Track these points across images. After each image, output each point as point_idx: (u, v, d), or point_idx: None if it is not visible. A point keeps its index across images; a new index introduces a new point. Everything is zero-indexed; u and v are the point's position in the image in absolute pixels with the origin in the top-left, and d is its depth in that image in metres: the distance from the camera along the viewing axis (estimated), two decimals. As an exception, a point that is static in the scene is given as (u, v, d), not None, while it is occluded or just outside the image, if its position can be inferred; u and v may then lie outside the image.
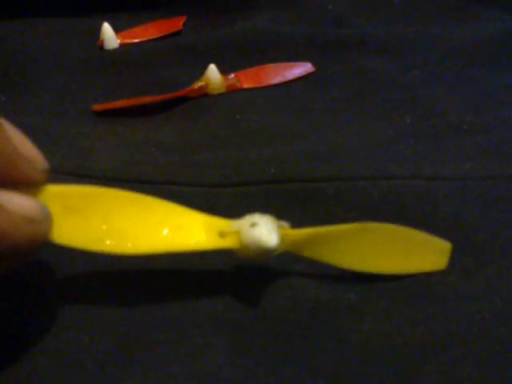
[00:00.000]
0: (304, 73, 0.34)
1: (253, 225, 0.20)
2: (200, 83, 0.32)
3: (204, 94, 0.33)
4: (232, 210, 0.24)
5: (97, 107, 0.32)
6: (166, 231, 0.20)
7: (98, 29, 0.37)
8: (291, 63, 0.35)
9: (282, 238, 0.20)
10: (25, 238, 0.17)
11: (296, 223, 0.24)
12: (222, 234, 0.20)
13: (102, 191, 0.19)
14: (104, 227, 0.19)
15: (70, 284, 0.21)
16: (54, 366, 0.19)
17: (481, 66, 0.34)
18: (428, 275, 0.22)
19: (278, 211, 0.24)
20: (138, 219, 0.20)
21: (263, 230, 0.20)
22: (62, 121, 0.31)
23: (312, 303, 0.21)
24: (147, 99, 0.32)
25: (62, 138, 0.29)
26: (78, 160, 0.27)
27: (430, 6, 0.40)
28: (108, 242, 0.19)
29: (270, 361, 0.19)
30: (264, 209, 0.24)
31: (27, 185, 0.18)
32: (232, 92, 0.33)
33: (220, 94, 0.33)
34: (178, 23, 0.39)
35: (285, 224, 0.21)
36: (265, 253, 0.20)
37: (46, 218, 0.18)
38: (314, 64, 0.34)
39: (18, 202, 0.17)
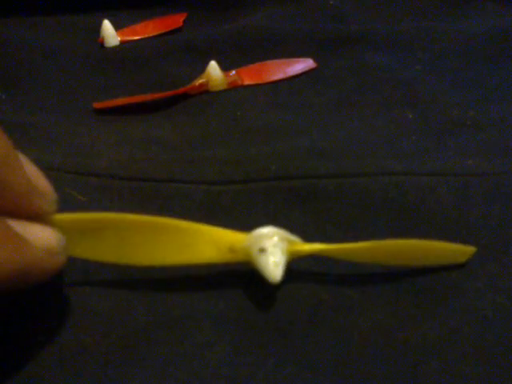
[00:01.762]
0: (305, 69, 0.34)
1: (261, 251, 0.20)
2: (201, 80, 0.32)
3: (205, 91, 0.32)
4: (233, 208, 0.25)
5: (97, 105, 0.32)
6: (176, 247, 0.21)
7: (99, 26, 0.37)
8: (292, 59, 0.35)
9: (293, 254, 0.21)
10: (45, 271, 0.17)
11: (297, 220, 0.24)
12: (232, 251, 0.20)
13: (113, 216, 0.20)
14: (118, 246, 0.20)
15: (71, 284, 0.21)
16: (56, 366, 0.19)
17: (483, 61, 0.34)
18: (430, 272, 0.22)
19: (279, 208, 0.24)
20: (149, 239, 0.20)
21: (269, 263, 0.20)
22: (62, 119, 0.31)
23: (312, 301, 0.21)
24: (148, 97, 0.32)
25: (63, 136, 0.29)
26: (79, 158, 0.27)
27: (431, 0, 0.40)
28: (121, 258, 0.20)
29: (271, 359, 0.19)
30: (265, 206, 0.24)
31: (40, 216, 0.18)
32: (233, 89, 0.33)
33: (221, 91, 0.32)
34: (178, 20, 0.39)
35: (296, 239, 0.21)
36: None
37: (64, 248, 0.18)
38: (315, 60, 0.34)
39: (40, 235, 0.17)
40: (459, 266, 0.22)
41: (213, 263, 0.21)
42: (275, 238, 0.20)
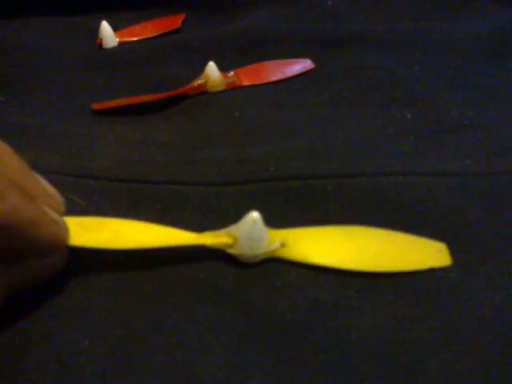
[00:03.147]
0: (304, 69, 0.34)
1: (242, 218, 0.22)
2: (199, 81, 0.32)
3: (203, 92, 0.32)
4: (232, 209, 0.25)
5: (96, 106, 0.32)
6: (164, 232, 0.22)
7: (97, 27, 0.37)
8: (291, 60, 0.35)
9: (272, 236, 0.22)
10: (53, 235, 0.19)
11: (296, 220, 0.24)
12: (215, 235, 0.22)
13: (111, 219, 0.22)
14: (111, 234, 0.22)
15: (70, 287, 0.21)
16: (54, 369, 0.19)
17: (481, 60, 0.34)
18: (429, 272, 0.22)
19: (278, 209, 0.24)
20: (139, 228, 0.22)
21: (248, 214, 0.21)
22: (60, 120, 0.31)
23: (310, 302, 0.21)
24: (146, 97, 0.32)
25: (61, 137, 0.29)
26: (77, 160, 0.27)
27: (429, 1, 0.40)
28: (114, 242, 0.22)
29: (269, 361, 0.19)
30: (264, 207, 0.24)
31: None
32: (231, 89, 0.33)
33: (219, 92, 0.33)
34: (177, 21, 0.39)
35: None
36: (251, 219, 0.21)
37: (65, 227, 0.20)
38: (313, 60, 0.34)
39: (48, 208, 0.20)
40: (455, 266, 0.22)
41: (198, 244, 0.22)
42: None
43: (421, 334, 0.20)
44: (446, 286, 0.21)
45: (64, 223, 0.20)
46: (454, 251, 0.22)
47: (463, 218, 0.23)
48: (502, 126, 0.28)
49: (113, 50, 0.37)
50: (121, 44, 0.37)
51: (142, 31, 0.38)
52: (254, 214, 0.21)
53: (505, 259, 0.22)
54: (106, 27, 0.37)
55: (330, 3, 0.40)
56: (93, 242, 0.21)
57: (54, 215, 0.20)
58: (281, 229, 0.22)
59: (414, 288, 0.21)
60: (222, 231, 0.22)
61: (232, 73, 0.33)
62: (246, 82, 0.33)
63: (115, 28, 0.37)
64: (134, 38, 0.38)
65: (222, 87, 0.33)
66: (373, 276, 0.22)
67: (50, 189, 0.21)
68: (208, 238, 0.22)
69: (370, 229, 0.23)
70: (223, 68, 0.33)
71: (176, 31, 0.39)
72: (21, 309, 0.20)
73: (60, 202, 0.21)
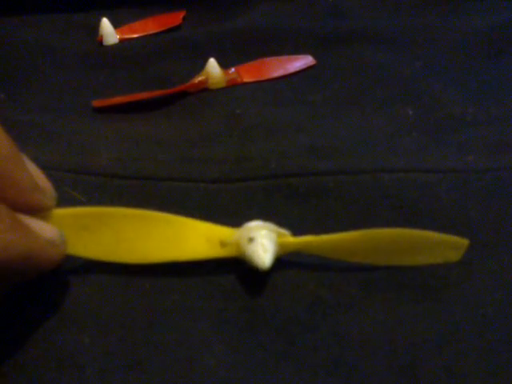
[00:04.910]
0: (305, 66, 0.34)
1: (250, 240, 0.20)
2: (200, 78, 0.32)
3: (204, 89, 0.32)
4: (233, 206, 0.24)
5: (96, 103, 0.32)
6: (168, 243, 0.21)
7: (97, 24, 0.37)
8: (292, 56, 0.34)
9: (282, 246, 0.21)
10: (47, 259, 0.19)
11: (297, 218, 0.24)
12: (223, 244, 0.21)
13: (109, 210, 0.21)
14: (112, 241, 0.21)
15: (70, 284, 0.21)
16: (54, 367, 0.19)
17: (483, 56, 0.34)
18: (430, 269, 0.21)
19: (279, 206, 0.24)
20: (142, 232, 0.21)
21: (258, 250, 0.20)
22: (61, 117, 0.31)
23: (312, 299, 0.21)
24: (147, 95, 0.32)
25: (62, 134, 0.29)
26: (78, 157, 0.27)
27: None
28: (116, 254, 0.21)
29: (269, 359, 0.19)
30: (265, 204, 0.24)
31: (41, 211, 0.20)
32: (232, 86, 0.33)
33: (220, 89, 0.32)
34: (177, 18, 0.39)
35: (285, 232, 0.21)
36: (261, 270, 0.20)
37: (63, 242, 0.20)
38: (314, 57, 0.34)
39: (43, 226, 0.19)
40: (457, 263, 0.21)
41: (205, 258, 0.21)
42: (263, 230, 0.21)
43: (422, 332, 0.20)
44: (448, 284, 0.21)
45: (61, 236, 0.19)
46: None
47: (465, 214, 0.23)
48: (503, 123, 0.28)
49: (113, 47, 0.36)
50: (121, 41, 0.37)
51: (142, 28, 0.38)
52: (266, 260, 0.20)
53: (507, 256, 0.22)
54: (106, 24, 0.37)
55: (331, 0, 0.39)
56: (92, 251, 0.20)
57: (49, 232, 0.19)
58: (293, 236, 0.21)
59: (415, 286, 0.21)
60: (232, 238, 0.21)
61: (233, 69, 0.33)
62: (246, 79, 0.33)
63: (115, 25, 0.37)
64: (135, 35, 0.38)
65: (222, 84, 0.33)
66: (374, 273, 0.21)
67: (42, 181, 0.20)
68: (216, 251, 0.21)
69: (387, 229, 0.21)
70: (224, 65, 0.33)
71: (177, 28, 0.38)
72: (20, 306, 0.20)
73: (51, 196, 0.20)
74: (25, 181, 0.18)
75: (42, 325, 0.20)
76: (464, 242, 0.21)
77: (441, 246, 0.22)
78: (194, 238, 0.21)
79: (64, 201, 0.22)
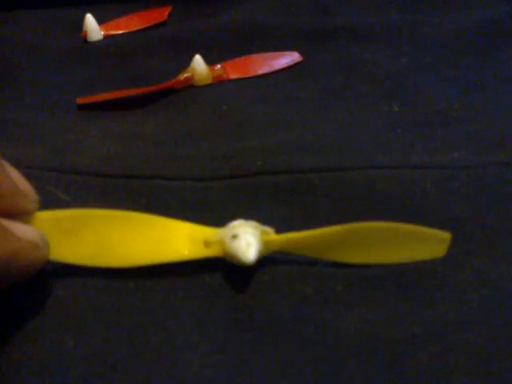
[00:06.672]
0: (291, 62, 0.34)
1: (234, 237, 0.20)
2: (186, 74, 0.32)
3: (190, 86, 0.32)
4: (220, 203, 0.24)
5: (80, 100, 0.31)
6: (152, 244, 0.21)
7: (81, 20, 0.36)
8: (278, 53, 0.34)
9: (266, 244, 0.21)
10: (30, 262, 0.19)
11: (284, 215, 0.24)
12: (206, 244, 0.21)
13: (92, 212, 0.21)
14: (95, 245, 0.21)
15: (54, 286, 0.21)
16: (37, 371, 0.18)
17: (469, 53, 0.34)
18: (416, 265, 0.22)
19: (266, 203, 0.24)
20: (125, 235, 0.21)
21: (242, 245, 0.20)
22: (44, 115, 0.30)
23: (297, 297, 0.21)
24: (132, 92, 0.32)
25: (45, 132, 0.29)
26: (62, 155, 0.27)
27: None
28: (99, 258, 0.21)
29: (255, 358, 0.19)
30: (252, 201, 0.24)
31: (23, 214, 0.20)
32: (218, 83, 0.32)
33: (206, 86, 0.32)
34: (163, 14, 0.39)
35: (269, 229, 0.21)
36: (245, 264, 0.20)
37: (46, 245, 0.20)
38: (301, 53, 0.34)
39: (24, 229, 0.19)
40: (442, 259, 0.22)
41: (189, 259, 0.21)
42: (247, 227, 0.21)
43: (409, 328, 0.20)
44: (434, 280, 0.21)
45: (43, 238, 0.19)
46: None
47: (451, 211, 0.23)
48: (490, 119, 0.28)
49: (98, 44, 0.36)
50: (106, 37, 0.37)
51: (127, 24, 0.38)
52: (250, 255, 0.20)
53: (492, 252, 0.22)
54: (90, 20, 0.36)
55: (317, -4, 0.39)
56: (75, 256, 0.20)
57: (31, 235, 0.19)
58: (277, 234, 0.21)
59: (402, 282, 0.21)
60: (216, 237, 0.21)
61: (219, 66, 0.33)
62: (233, 76, 0.33)
63: (100, 21, 0.37)
64: (120, 31, 0.37)
65: (208, 80, 0.32)
66: (359, 270, 0.21)
67: (23, 185, 0.20)
68: (200, 251, 0.21)
69: (370, 223, 0.21)
70: (210, 61, 0.33)
71: (162, 24, 0.38)
72: (2, 308, 0.20)
73: (33, 200, 0.20)
74: (5, 185, 0.18)
75: (23, 328, 0.19)
76: (446, 235, 0.21)
77: (424, 239, 0.22)
78: (177, 239, 0.21)
79: (48, 201, 0.21)
